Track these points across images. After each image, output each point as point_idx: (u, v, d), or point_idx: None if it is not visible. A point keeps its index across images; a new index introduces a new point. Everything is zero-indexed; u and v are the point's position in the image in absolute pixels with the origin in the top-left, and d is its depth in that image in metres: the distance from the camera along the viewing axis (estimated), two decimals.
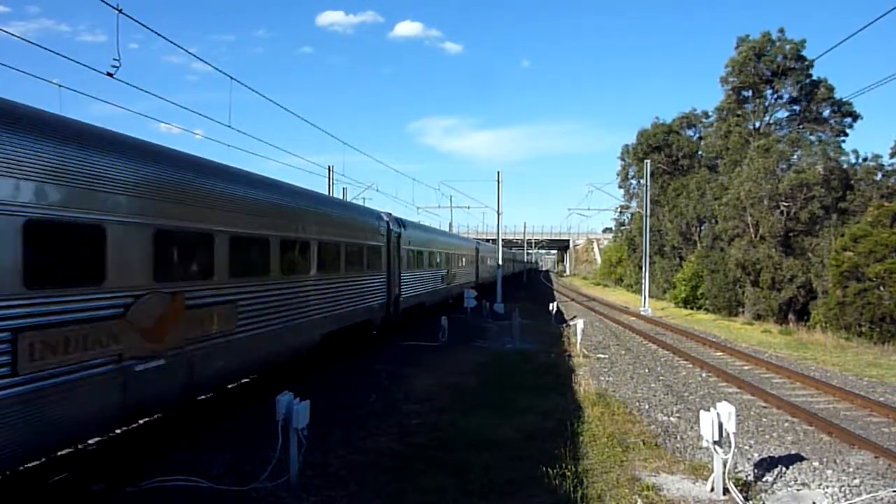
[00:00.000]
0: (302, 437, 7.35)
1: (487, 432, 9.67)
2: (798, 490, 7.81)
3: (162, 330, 7.68)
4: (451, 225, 59.60)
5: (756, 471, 8.47)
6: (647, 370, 16.72)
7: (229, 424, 10.01)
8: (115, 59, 10.03)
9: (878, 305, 25.55)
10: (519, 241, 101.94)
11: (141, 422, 9.93)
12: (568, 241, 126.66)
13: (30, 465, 7.71)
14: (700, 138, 51.87)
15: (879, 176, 35.72)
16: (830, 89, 39.32)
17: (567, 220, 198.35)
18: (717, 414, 7.31)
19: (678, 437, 10.10)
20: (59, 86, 11.69)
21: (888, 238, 26.13)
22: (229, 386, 11.74)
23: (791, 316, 34.40)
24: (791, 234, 35.90)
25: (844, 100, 38.43)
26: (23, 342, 5.59)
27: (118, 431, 9.43)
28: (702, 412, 7.60)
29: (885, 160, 36.04)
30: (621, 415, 11.19)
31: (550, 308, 29.66)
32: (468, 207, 61.32)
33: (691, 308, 40.88)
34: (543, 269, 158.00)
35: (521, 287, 63.21)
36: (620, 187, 60.98)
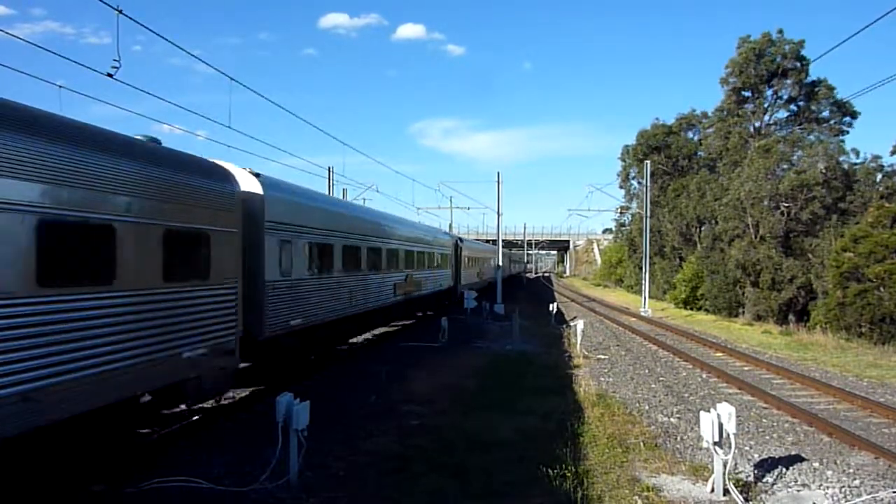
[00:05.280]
0: (302, 438, 7.35)
1: (488, 433, 9.66)
2: (798, 491, 7.81)
3: None
4: (451, 226, 59.31)
5: (756, 472, 8.46)
6: (647, 371, 16.71)
7: (229, 425, 10.01)
8: (115, 60, 10.06)
9: (878, 306, 25.53)
10: (519, 242, 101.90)
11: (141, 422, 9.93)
12: (568, 241, 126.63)
13: (29, 466, 7.71)
14: (700, 140, 51.90)
15: (880, 177, 35.74)
16: (830, 89, 39.39)
17: (567, 221, 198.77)
18: (718, 415, 7.30)
19: (678, 438, 10.09)
20: (60, 87, 11.71)
21: (888, 239, 26.13)
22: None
23: (791, 317, 34.39)
24: (791, 235, 35.89)
25: (844, 100, 38.51)
26: None
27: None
28: (702, 413, 7.60)
29: (886, 160, 36.11)
30: (621, 416, 11.19)
31: (550, 309, 29.65)
32: (468, 208, 61.49)
33: (691, 309, 40.88)
34: (543, 270, 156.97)
35: (517, 290, 63.09)
36: (621, 188, 61.09)
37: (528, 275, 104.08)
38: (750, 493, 7.54)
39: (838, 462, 8.88)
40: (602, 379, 15.20)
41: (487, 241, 62.80)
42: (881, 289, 25.59)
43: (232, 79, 14.47)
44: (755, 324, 31.94)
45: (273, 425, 7.29)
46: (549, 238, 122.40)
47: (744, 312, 36.52)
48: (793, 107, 41.30)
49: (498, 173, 35.78)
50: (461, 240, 36.93)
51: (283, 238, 12.02)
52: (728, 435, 7.30)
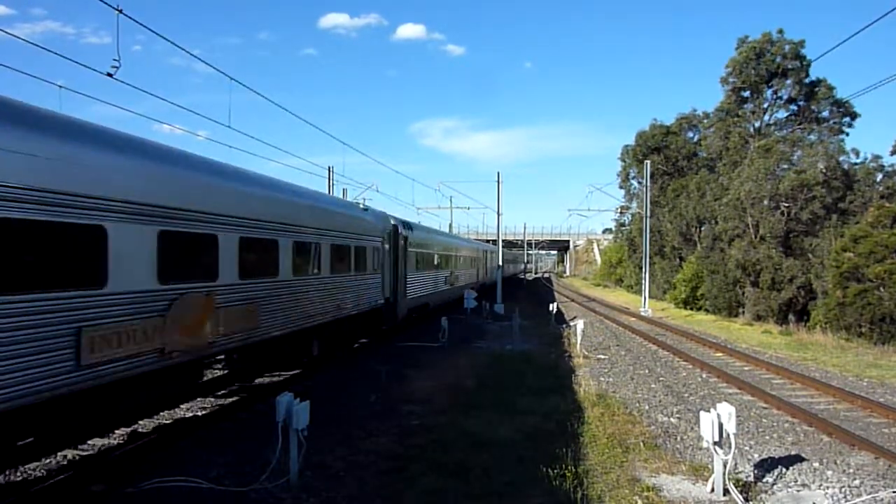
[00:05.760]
0: (302, 438, 7.35)
1: (487, 433, 9.66)
2: (798, 491, 7.81)
3: None
4: (451, 225, 59.26)
5: (756, 471, 8.46)
6: (647, 371, 16.71)
7: (229, 425, 10.02)
8: (115, 60, 10.06)
9: (878, 306, 25.52)
10: (519, 242, 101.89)
11: (141, 421, 9.94)
12: (568, 241, 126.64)
13: (29, 465, 7.72)
14: (699, 141, 51.91)
15: (880, 177, 35.76)
16: (830, 89, 39.38)
17: (567, 221, 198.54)
18: (718, 415, 7.30)
19: (678, 438, 10.09)
20: (60, 87, 11.70)
21: (888, 239, 26.12)
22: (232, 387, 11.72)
23: (791, 316, 34.38)
24: (791, 235, 35.89)
25: (844, 100, 38.52)
26: None
27: (118, 431, 9.44)
28: (702, 413, 7.60)
29: (886, 160, 36.13)
30: (621, 416, 11.19)
31: (550, 308, 29.64)
32: (468, 208, 61.38)
33: (691, 309, 40.86)
34: (543, 270, 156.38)
35: (516, 290, 62.96)
36: (621, 188, 61.09)
37: (527, 275, 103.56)
38: (750, 493, 7.53)
39: (838, 462, 8.88)
40: (602, 379, 15.20)
41: (488, 241, 62.55)
42: (881, 289, 25.58)
43: (232, 79, 14.46)
44: (755, 324, 31.94)
45: (273, 425, 7.29)
46: (549, 238, 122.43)
47: (744, 312, 36.50)
48: (793, 107, 41.29)
49: (498, 173, 35.80)
50: (408, 225, 22.05)
51: None
52: (728, 435, 7.30)
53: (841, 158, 36.11)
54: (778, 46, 39.19)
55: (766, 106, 41.76)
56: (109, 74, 10.15)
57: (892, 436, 10.60)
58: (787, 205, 35.04)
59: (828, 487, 7.84)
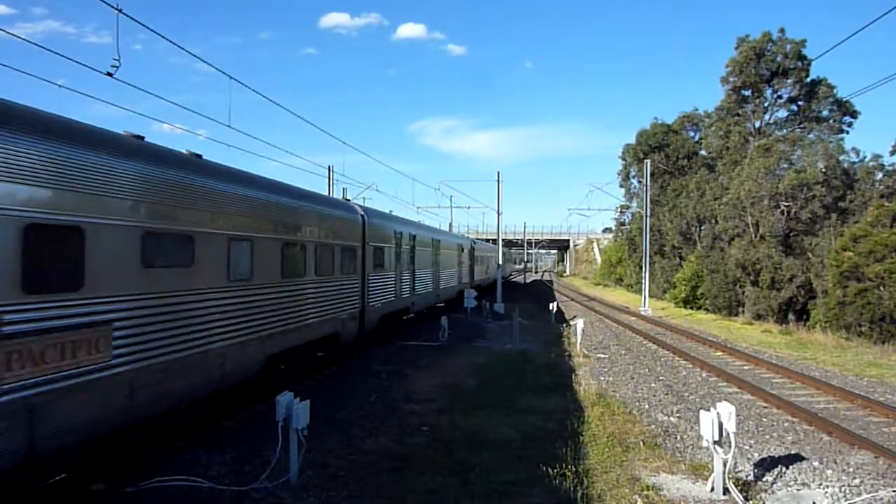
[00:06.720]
0: (302, 438, 7.36)
1: (488, 433, 9.66)
2: (798, 490, 7.81)
3: None
4: (451, 225, 59.13)
5: (756, 471, 8.46)
6: (647, 370, 16.71)
7: (229, 425, 10.02)
8: (115, 59, 10.04)
9: (878, 305, 25.53)
10: (519, 241, 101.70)
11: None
12: (568, 241, 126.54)
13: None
14: (699, 140, 51.92)
15: (880, 176, 35.77)
16: (831, 88, 39.37)
17: (567, 220, 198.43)
18: (718, 414, 7.31)
19: (678, 437, 10.09)
20: (60, 86, 11.69)
21: (888, 238, 26.13)
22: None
23: (791, 316, 34.40)
24: (791, 234, 35.90)
25: (844, 99, 38.52)
26: None
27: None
28: (702, 412, 7.60)
29: (886, 159, 36.14)
30: (621, 415, 11.19)
31: (550, 308, 29.66)
32: (468, 208, 61.13)
33: (691, 308, 40.88)
34: (544, 270, 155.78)
35: (515, 292, 62.79)
36: (621, 187, 61.09)
37: (526, 276, 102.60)
38: (750, 492, 7.54)
39: (838, 461, 8.89)
40: (602, 378, 15.20)
41: (488, 241, 62.30)
42: (881, 288, 25.58)
43: (232, 78, 14.42)
44: (755, 323, 31.95)
45: (273, 424, 7.29)
46: (550, 237, 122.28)
47: (744, 311, 36.52)
48: (793, 106, 41.29)
49: (498, 172, 35.72)
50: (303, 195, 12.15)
51: None
52: (728, 434, 7.31)
53: (841, 157, 36.12)
54: (779, 46, 39.18)
55: (766, 105, 41.77)
56: (109, 74, 10.13)
57: (892, 435, 10.61)
58: (787, 204, 35.04)
59: (827, 486, 7.84)
